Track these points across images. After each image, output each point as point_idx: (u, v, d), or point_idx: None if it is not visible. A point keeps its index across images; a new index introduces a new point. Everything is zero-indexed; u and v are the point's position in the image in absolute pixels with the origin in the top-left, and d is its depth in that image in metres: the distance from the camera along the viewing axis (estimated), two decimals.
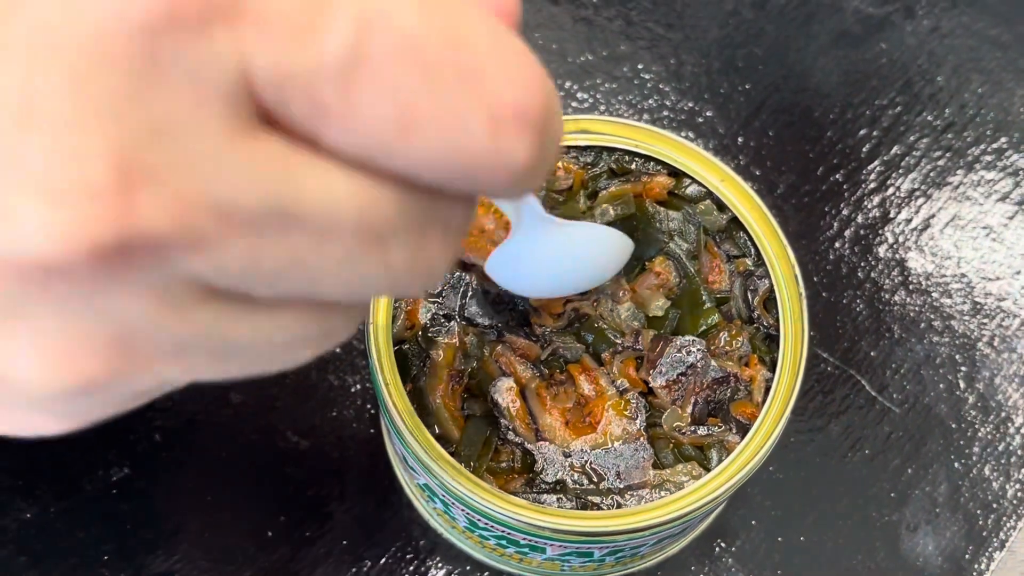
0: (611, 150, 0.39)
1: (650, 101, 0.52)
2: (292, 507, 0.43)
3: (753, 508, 0.44)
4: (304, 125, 0.18)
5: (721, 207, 0.39)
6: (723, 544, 0.43)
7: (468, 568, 0.43)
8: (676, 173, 0.39)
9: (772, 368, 0.36)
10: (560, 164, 0.40)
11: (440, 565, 0.43)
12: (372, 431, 0.44)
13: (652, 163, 0.39)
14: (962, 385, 0.47)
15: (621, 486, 0.35)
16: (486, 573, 0.42)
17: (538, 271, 0.34)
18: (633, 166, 0.39)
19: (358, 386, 0.45)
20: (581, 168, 0.39)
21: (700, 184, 0.39)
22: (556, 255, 0.33)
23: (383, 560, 0.43)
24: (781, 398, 0.35)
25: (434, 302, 0.37)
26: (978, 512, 0.44)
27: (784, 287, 0.37)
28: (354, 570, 0.42)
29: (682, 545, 0.42)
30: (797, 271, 0.37)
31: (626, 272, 0.38)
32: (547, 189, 0.39)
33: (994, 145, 0.52)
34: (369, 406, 0.45)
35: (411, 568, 0.43)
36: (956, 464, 0.45)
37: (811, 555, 0.43)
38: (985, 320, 0.48)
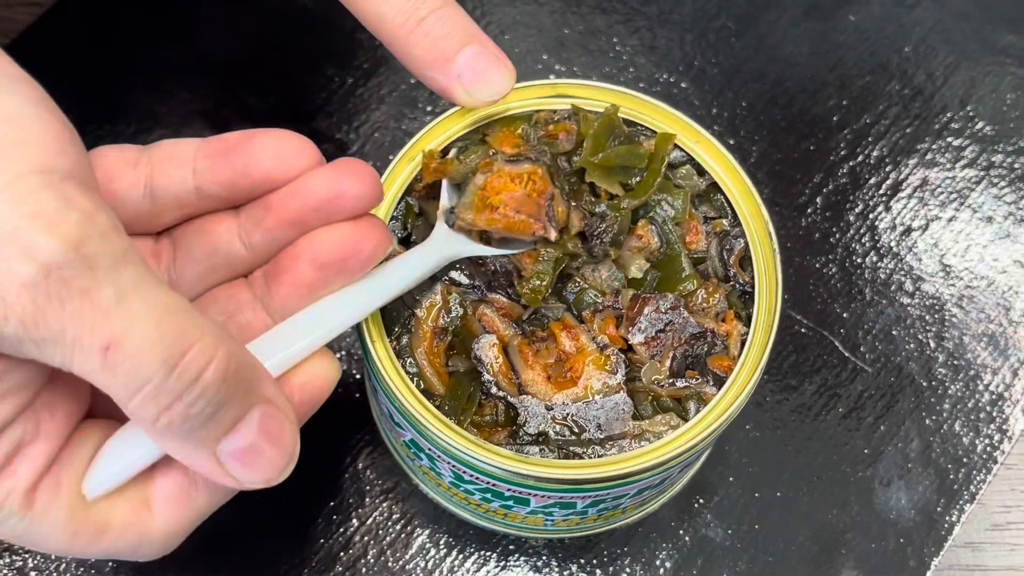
0: (592, 113, 0.40)
1: (626, 74, 0.53)
2: None
3: (731, 465, 0.45)
4: None
5: (700, 172, 0.40)
6: (702, 500, 0.44)
7: (453, 527, 0.43)
8: None
9: (748, 324, 0.37)
10: (563, 127, 0.40)
11: (425, 525, 0.43)
12: (357, 395, 0.45)
13: (635, 127, 0.40)
14: (932, 344, 0.48)
15: (602, 437, 0.35)
16: (470, 531, 0.43)
17: None
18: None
19: (342, 352, 0.46)
20: (579, 125, 0.39)
21: (680, 149, 0.40)
22: None
23: (368, 521, 0.43)
24: (756, 350, 0.36)
25: None
26: (949, 467, 0.46)
27: (759, 243, 0.38)
28: (339, 532, 0.43)
29: (662, 501, 0.43)
30: (771, 228, 0.38)
31: (618, 234, 0.38)
32: (551, 152, 0.38)
33: (961, 112, 0.53)
34: (355, 371, 0.46)
35: (396, 528, 0.43)
36: (927, 421, 0.46)
37: (787, 510, 0.44)
38: (953, 281, 0.49)
